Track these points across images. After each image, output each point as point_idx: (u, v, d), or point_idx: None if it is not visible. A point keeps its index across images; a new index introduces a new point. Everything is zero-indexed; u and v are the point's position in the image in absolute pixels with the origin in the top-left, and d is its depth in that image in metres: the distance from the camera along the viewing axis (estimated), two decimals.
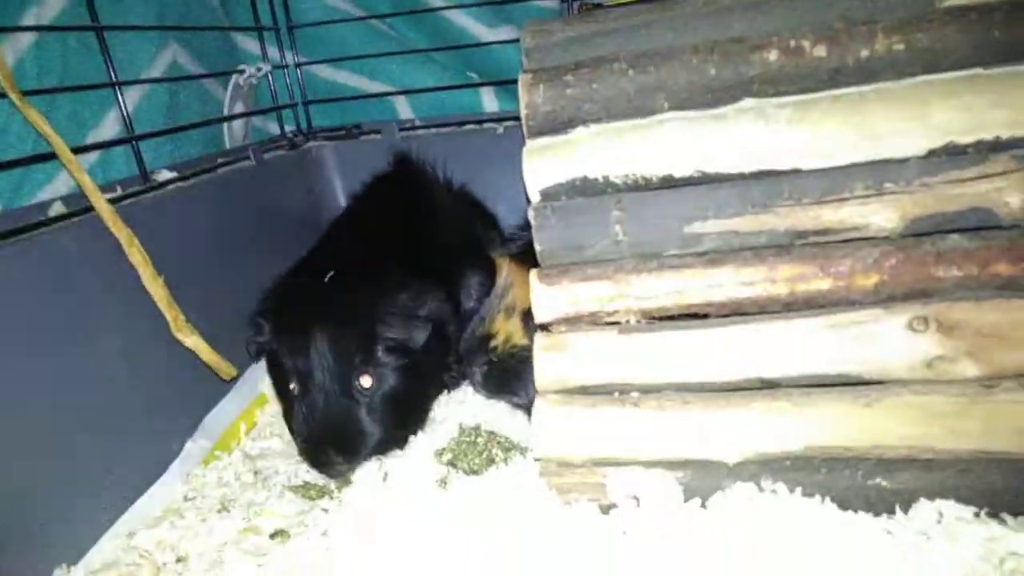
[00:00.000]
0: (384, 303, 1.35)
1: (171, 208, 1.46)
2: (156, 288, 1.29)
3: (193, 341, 1.32)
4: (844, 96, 0.94)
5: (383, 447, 1.33)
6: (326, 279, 1.40)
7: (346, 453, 1.29)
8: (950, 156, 0.93)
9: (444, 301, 1.48)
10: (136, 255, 1.27)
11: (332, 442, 1.28)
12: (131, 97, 1.51)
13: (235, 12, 1.96)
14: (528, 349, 1.21)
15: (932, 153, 0.93)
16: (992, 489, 0.92)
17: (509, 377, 1.07)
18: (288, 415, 1.38)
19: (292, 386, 1.32)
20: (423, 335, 1.36)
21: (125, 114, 1.44)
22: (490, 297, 1.29)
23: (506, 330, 1.26)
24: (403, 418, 1.38)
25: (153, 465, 1.34)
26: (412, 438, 1.39)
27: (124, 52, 1.53)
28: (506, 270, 1.30)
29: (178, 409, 1.41)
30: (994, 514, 0.91)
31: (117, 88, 1.41)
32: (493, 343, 1.26)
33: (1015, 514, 0.91)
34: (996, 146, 0.91)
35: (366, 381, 1.30)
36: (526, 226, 1.09)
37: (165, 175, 1.51)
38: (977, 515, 0.91)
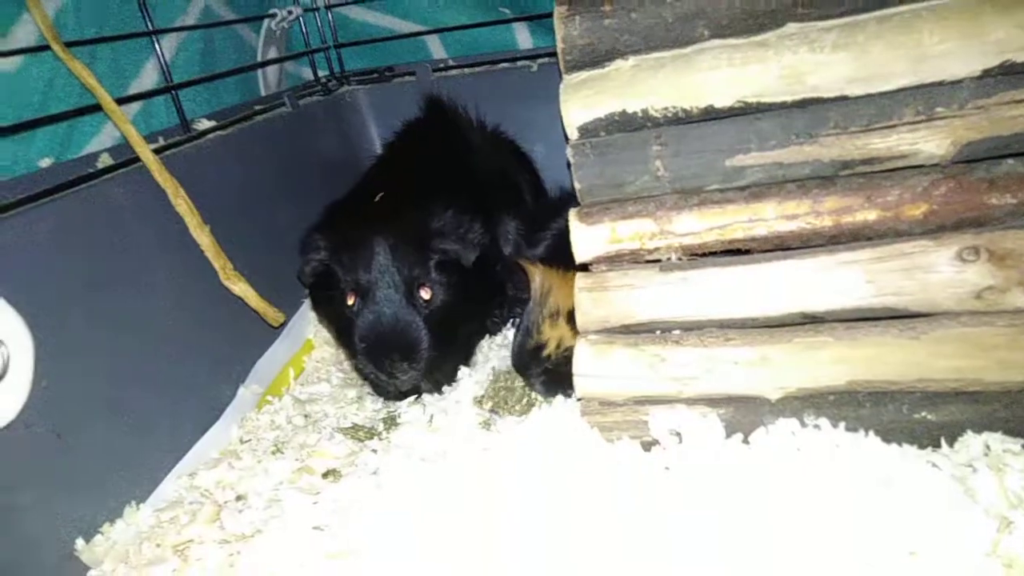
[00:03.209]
0: (437, 220, 1.40)
1: (212, 157, 1.48)
2: (203, 237, 1.32)
3: (241, 288, 1.35)
4: (893, 16, 0.90)
5: (438, 363, 1.37)
6: (375, 200, 1.44)
7: (411, 357, 1.32)
8: (1006, 76, 0.89)
9: (486, 234, 1.51)
10: (182, 205, 1.30)
11: (397, 346, 1.32)
12: (167, 46, 1.51)
13: None
14: None
15: (987, 73, 0.89)
16: None
17: (568, 379, 1.09)
18: (343, 335, 1.41)
19: (351, 302, 1.35)
20: (473, 254, 1.40)
21: (164, 64, 1.44)
22: (530, 306, 1.30)
23: (555, 336, 1.26)
24: (455, 338, 1.42)
25: (209, 410, 1.39)
26: (459, 373, 1.44)
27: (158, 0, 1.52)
28: (539, 276, 1.30)
29: (230, 355, 1.45)
30: None
31: (154, 37, 1.42)
32: (545, 352, 1.27)
33: None
34: None
35: (425, 293, 1.35)
36: (554, 213, 1.05)
37: (205, 124, 1.53)
38: None
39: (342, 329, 1.41)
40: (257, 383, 1.47)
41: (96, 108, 1.24)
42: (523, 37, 2.01)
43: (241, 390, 1.44)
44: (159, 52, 1.43)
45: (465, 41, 2.06)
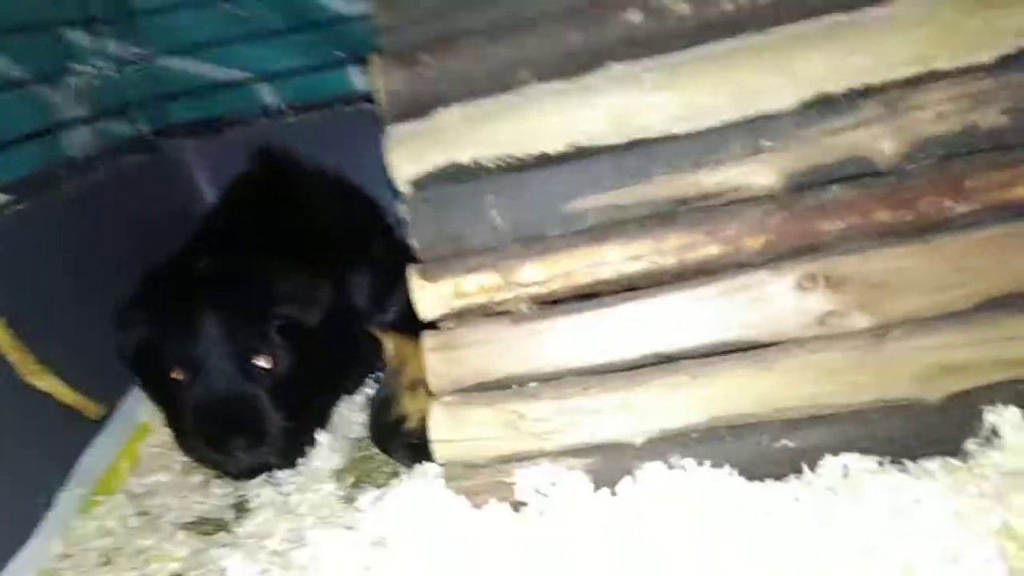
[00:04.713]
0: (275, 280, 1.29)
1: (7, 235, 1.30)
2: None
3: (47, 383, 1.19)
4: (711, 54, 0.90)
5: (290, 436, 1.26)
6: (202, 264, 1.33)
7: (253, 433, 1.20)
8: (822, 106, 0.91)
9: (334, 289, 1.41)
10: None
11: (235, 424, 1.20)
12: None
13: (60, 3, 1.76)
14: None
15: (804, 105, 0.91)
16: (892, 437, 0.92)
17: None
18: (173, 416, 1.28)
19: (180, 376, 1.22)
20: (317, 315, 1.30)
21: None
22: (386, 378, 1.24)
23: (416, 408, 1.20)
24: (306, 406, 1.31)
25: (22, 525, 1.20)
26: (313, 444, 1.32)
27: None
28: (392, 345, 1.24)
29: (43, 459, 1.27)
30: (896, 460, 0.92)
31: None
32: (408, 425, 1.21)
33: (914, 458, 0.92)
34: (866, 93, 0.90)
35: (264, 361, 1.23)
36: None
37: None
38: (881, 464, 0.91)
39: (170, 407, 1.29)
40: (81, 484, 1.30)
41: None
42: (358, 79, 1.94)
43: (62, 495, 1.26)
44: None
45: (298, 86, 1.97)
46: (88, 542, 1.21)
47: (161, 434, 1.48)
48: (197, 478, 1.37)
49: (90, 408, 1.26)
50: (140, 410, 1.49)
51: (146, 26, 1.88)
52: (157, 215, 1.76)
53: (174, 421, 1.30)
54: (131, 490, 1.34)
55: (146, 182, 1.77)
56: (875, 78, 0.89)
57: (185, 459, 1.43)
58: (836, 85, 0.90)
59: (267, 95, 2.01)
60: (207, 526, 1.22)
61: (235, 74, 1.97)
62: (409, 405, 1.21)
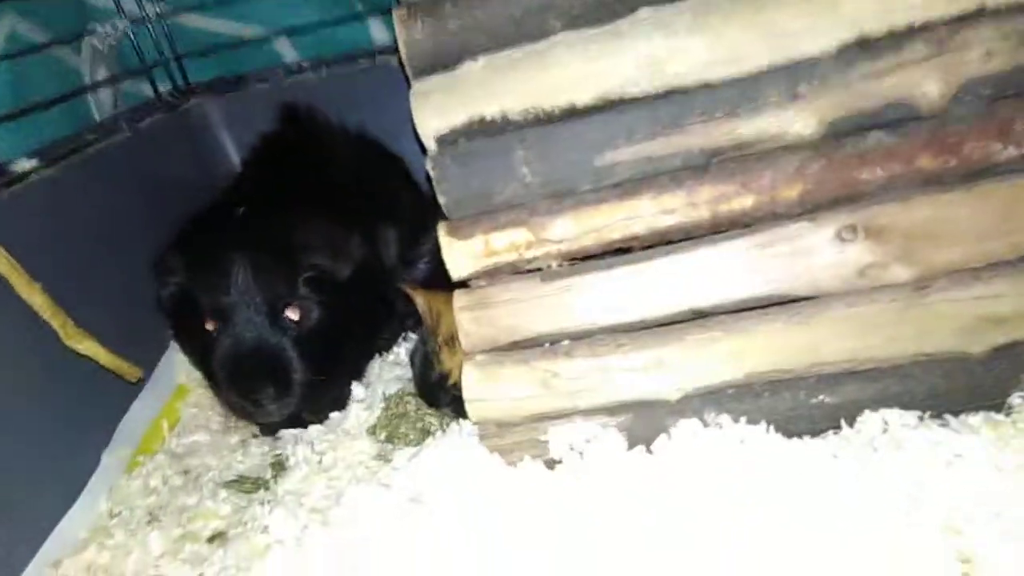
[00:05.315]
0: (305, 231, 1.29)
1: (37, 201, 1.31)
2: (34, 296, 1.17)
3: (87, 346, 1.21)
4: None
5: (319, 390, 1.27)
6: (234, 216, 1.33)
7: (279, 384, 1.21)
8: (863, 49, 0.87)
9: (364, 245, 1.40)
10: (3, 263, 1.14)
11: (262, 374, 1.20)
12: None
13: None
14: None
15: (844, 47, 0.87)
16: (934, 391, 0.90)
17: None
18: (205, 365, 1.29)
19: (211, 327, 1.23)
20: (347, 268, 1.30)
21: None
22: (424, 335, 1.22)
23: (455, 362, 1.19)
24: (337, 360, 1.31)
25: (71, 485, 1.24)
26: (344, 400, 1.35)
27: None
28: (423, 302, 1.22)
29: (87, 420, 1.30)
30: (937, 415, 0.90)
31: None
32: (451, 381, 1.20)
33: (956, 413, 0.90)
34: (909, 33, 0.86)
35: (293, 313, 1.23)
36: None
37: (24, 165, 1.35)
38: (921, 419, 0.90)
39: (203, 359, 1.29)
40: (123, 444, 1.33)
41: None
42: (378, 32, 1.89)
43: (105, 457, 1.30)
44: None
45: (318, 41, 1.93)
46: (134, 501, 1.24)
47: (198, 395, 1.51)
48: (235, 438, 1.40)
49: (128, 370, 1.28)
50: (177, 372, 1.52)
51: None
52: (181, 174, 1.76)
53: (208, 373, 1.31)
54: (172, 450, 1.37)
55: (170, 141, 1.76)
56: (921, 16, 0.85)
57: (223, 419, 1.45)
58: (879, 25, 0.85)
59: (286, 50, 1.98)
60: (247, 484, 1.24)
61: (253, 29, 1.94)
62: (448, 361, 1.21)
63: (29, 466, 1.18)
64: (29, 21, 1.53)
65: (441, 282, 1.21)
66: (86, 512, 1.22)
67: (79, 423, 1.28)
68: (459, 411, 1.21)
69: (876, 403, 0.91)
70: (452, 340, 1.20)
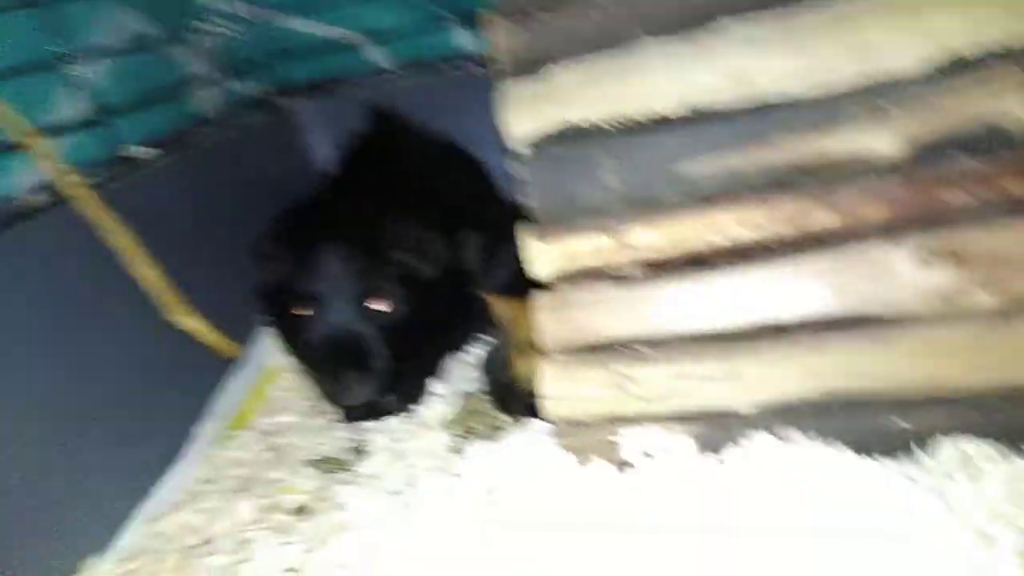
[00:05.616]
0: (397, 229, 1.36)
1: (150, 187, 1.41)
2: (146, 272, 1.26)
3: (191, 323, 1.30)
4: (833, 8, 0.87)
5: (401, 379, 1.33)
6: (329, 210, 1.41)
7: (360, 368, 1.28)
8: (953, 68, 0.86)
9: (447, 249, 1.46)
10: (122, 240, 1.24)
11: (347, 356, 1.28)
12: (89, 71, 1.42)
13: None
14: None
15: (934, 67, 0.86)
16: (1013, 424, 0.89)
17: None
18: (296, 348, 1.37)
19: (302, 312, 1.31)
20: (433, 268, 1.36)
21: (89, 92, 1.36)
22: (499, 342, 1.27)
23: (526, 368, 1.23)
24: (418, 353, 1.38)
25: (169, 450, 1.34)
26: (422, 393, 1.40)
27: (70, 23, 1.41)
28: (501, 309, 1.27)
29: (188, 393, 1.40)
30: (1017, 448, 0.89)
31: (76, 64, 1.33)
32: (523, 386, 1.24)
33: None
34: (1002, 55, 0.85)
35: (381, 304, 1.30)
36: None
37: (140, 153, 1.45)
38: (1000, 452, 0.88)
39: (294, 341, 1.38)
40: (219, 418, 1.43)
41: (17, 145, 1.17)
42: (464, 40, 1.94)
43: (202, 427, 1.39)
44: (82, 79, 1.35)
45: (405, 47, 1.99)
46: (226, 470, 1.33)
47: (287, 379, 1.59)
48: (320, 421, 1.47)
49: (227, 348, 1.36)
50: (267, 355, 1.60)
51: None
52: (277, 169, 1.86)
53: (297, 355, 1.39)
54: (261, 428, 1.46)
55: (265, 141, 1.86)
56: (1013, 38, 0.84)
57: (310, 403, 1.53)
58: (969, 45, 0.85)
59: (376, 55, 2.05)
60: (330, 464, 1.31)
61: (344, 33, 2.01)
62: (521, 367, 1.25)
63: (132, 430, 1.28)
64: (143, 16, 1.61)
65: (517, 290, 1.25)
66: (183, 477, 1.32)
67: (180, 394, 1.38)
68: (530, 416, 1.25)
69: (953, 431, 0.90)
70: (526, 347, 1.24)
